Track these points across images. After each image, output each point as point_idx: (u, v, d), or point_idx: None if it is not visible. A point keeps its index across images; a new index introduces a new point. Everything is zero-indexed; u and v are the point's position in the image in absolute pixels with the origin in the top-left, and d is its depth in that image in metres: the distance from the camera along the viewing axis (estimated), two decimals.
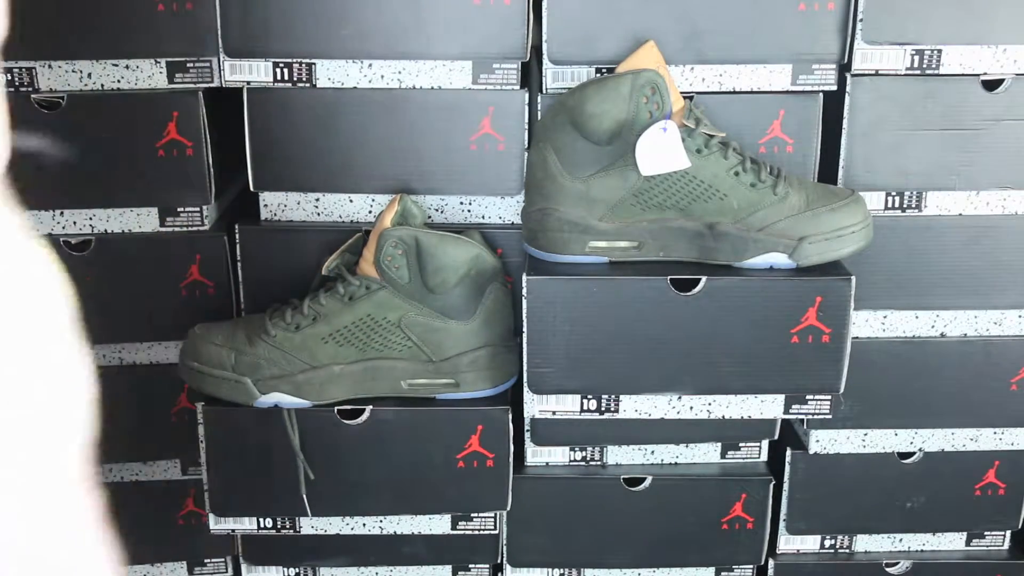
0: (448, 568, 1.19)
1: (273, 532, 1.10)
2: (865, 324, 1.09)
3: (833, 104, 1.03)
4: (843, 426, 1.12)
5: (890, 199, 1.06)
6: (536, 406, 1.03)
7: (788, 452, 1.14)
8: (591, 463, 1.16)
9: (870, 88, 1.02)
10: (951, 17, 1.00)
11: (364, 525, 1.11)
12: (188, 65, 1.03)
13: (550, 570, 1.18)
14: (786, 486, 1.15)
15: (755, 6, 1.00)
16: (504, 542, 1.16)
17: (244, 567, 1.18)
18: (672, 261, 1.00)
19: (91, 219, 1.08)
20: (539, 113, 1.04)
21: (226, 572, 1.24)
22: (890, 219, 1.06)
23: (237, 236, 1.07)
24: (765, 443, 1.16)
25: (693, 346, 0.99)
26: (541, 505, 1.14)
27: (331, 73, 1.03)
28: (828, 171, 1.05)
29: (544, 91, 1.03)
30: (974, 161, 1.04)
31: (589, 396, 1.02)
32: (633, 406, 1.04)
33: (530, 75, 1.07)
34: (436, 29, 1.01)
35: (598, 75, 1.02)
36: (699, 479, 1.14)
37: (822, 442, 1.14)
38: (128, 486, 1.18)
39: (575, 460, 1.15)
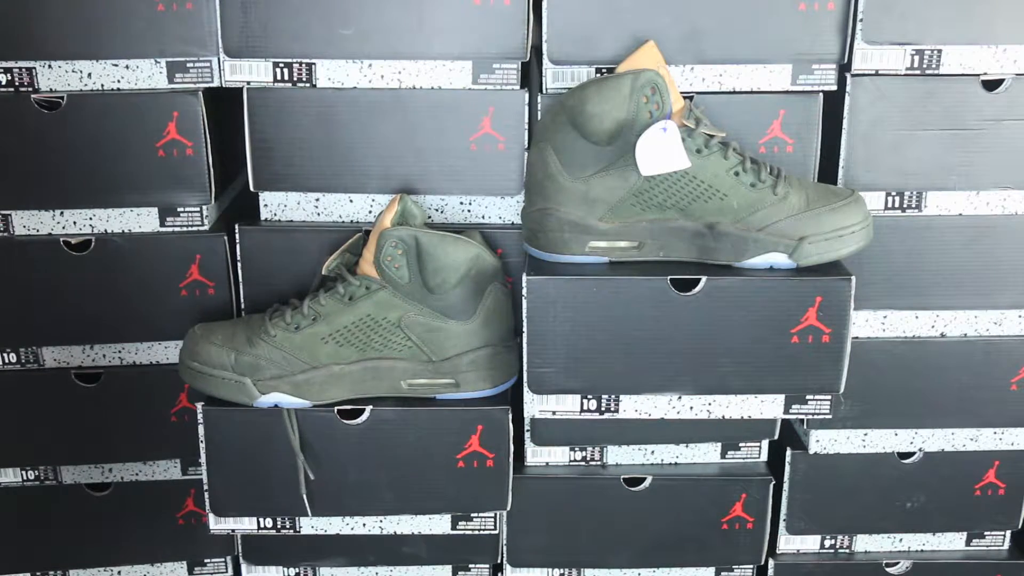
0: (448, 568, 1.19)
1: (273, 532, 1.10)
2: (865, 324, 1.09)
3: (833, 104, 1.03)
4: (843, 426, 1.12)
5: (890, 199, 1.06)
6: (536, 406, 1.03)
7: (788, 452, 1.14)
8: (591, 463, 1.16)
9: (870, 88, 1.02)
10: (951, 17, 1.00)
11: (364, 525, 1.11)
12: (188, 65, 1.03)
13: (550, 570, 1.18)
14: (786, 486, 1.15)
15: (755, 6, 1.00)
16: (504, 542, 1.16)
17: (244, 567, 1.18)
18: (672, 261, 1.00)
19: (91, 219, 1.08)
20: (539, 113, 1.04)
21: (226, 572, 1.24)
22: (890, 219, 1.06)
23: (237, 236, 1.07)
24: (765, 443, 1.16)
25: (693, 346, 0.99)
26: (541, 505, 1.14)
27: (331, 73, 1.03)
28: (828, 171, 1.06)
29: (544, 91, 1.03)
30: (974, 161, 1.04)
31: (589, 396, 1.02)
32: (633, 406, 1.04)
33: (530, 75, 1.08)
34: (436, 29, 1.01)
35: (598, 75, 1.02)
36: (699, 479, 1.14)
37: (822, 442, 1.14)
38: (128, 486, 1.18)
39: (575, 460, 1.15)
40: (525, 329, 0.99)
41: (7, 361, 1.12)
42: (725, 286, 0.97)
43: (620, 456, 1.16)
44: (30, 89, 1.03)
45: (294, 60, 1.03)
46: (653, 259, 1.00)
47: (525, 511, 1.13)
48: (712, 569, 1.19)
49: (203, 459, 1.05)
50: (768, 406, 1.03)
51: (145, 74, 1.03)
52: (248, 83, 1.03)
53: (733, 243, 0.98)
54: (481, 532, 1.12)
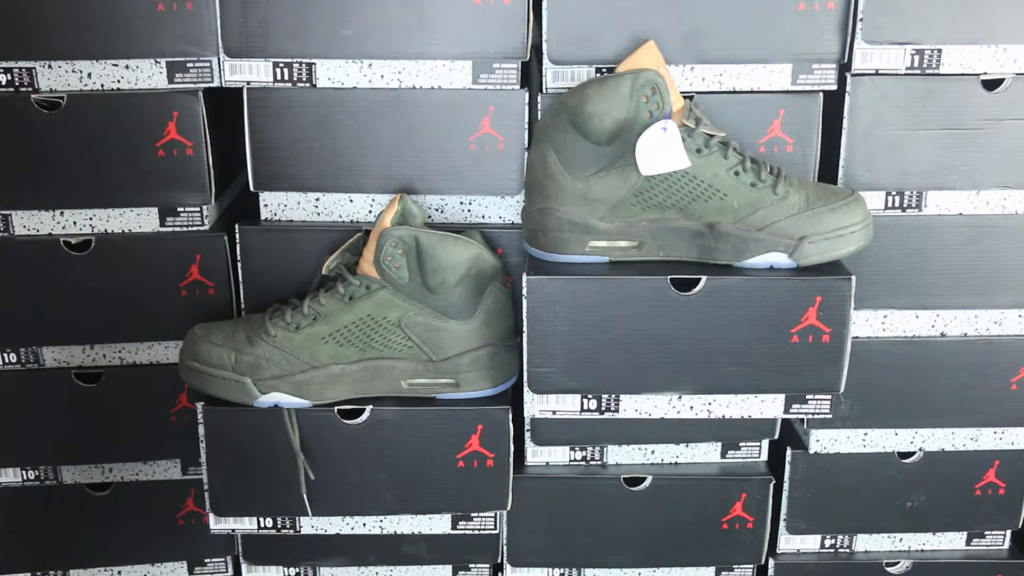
0: (448, 568, 1.19)
1: (273, 532, 1.10)
2: (865, 324, 1.09)
3: (833, 104, 1.03)
4: (843, 426, 1.12)
5: (890, 199, 1.06)
6: (536, 406, 1.03)
7: (788, 452, 1.14)
8: (591, 463, 1.16)
9: (870, 88, 1.02)
10: (951, 17, 1.00)
11: (364, 525, 1.11)
12: (188, 65, 1.03)
13: (550, 570, 1.18)
14: (786, 486, 1.15)
15: (755, 6, 1.00)
16: (504, 542, 1.16)
17: (244, 567, 1.18)
18: (672, 261, 1.00)
19: (91, 219, 1.08)
20: (539, 113, 1.04)
21: (226, 572, 1.24)
22: (890, 219, 1.06)
23: (237, 236, 1.07)
24: (765, 443, 1.16)
25: (693, 346, 0.99)
26: (541, 505, 1.14)
27: (331, 73, 1.03)
28: (828, 171, 1.06)
29: (544, 91, 1.03)
30: (974, 161, 1.04)
31: (589, 396, 1.02)
32: (633, 406, 1.04)
33: (530, 75, 1.08)
34: (436, 29, 1.01)
35: (598, 75, 1.02)
36: (699, 479, 1.14)
37: (822, 442, 1.14)
38: (128, 486, 1.18)
39: (575, 460, 1.15)
40: (525, 329, 0.99)
41: (7, 361, 1.12)
42: (725, 286, 0.97)
43: (620, 456, 1.16)
44: (30, 89, 1.03)
45: (294, 60, 1.03)
46: (653, 259, 1.00)
47: (525, 511, 1.13)
48: (712, 569, 1.19)
49: (203, 459, 1.05)
50: (768, 406, 1.03)
51: (145, 74, 1.03)
52: (248, 83, 1.03)
53: (733, 243, 0.98)
54: (481, 532, 1.12)
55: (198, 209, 1.08)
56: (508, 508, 1.08)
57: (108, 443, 1.15)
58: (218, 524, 1.09)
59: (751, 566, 1.19)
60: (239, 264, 1.08)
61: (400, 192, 1.06)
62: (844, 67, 1.02)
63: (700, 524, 1.15)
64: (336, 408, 1.04)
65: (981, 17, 1.00)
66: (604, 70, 1.02)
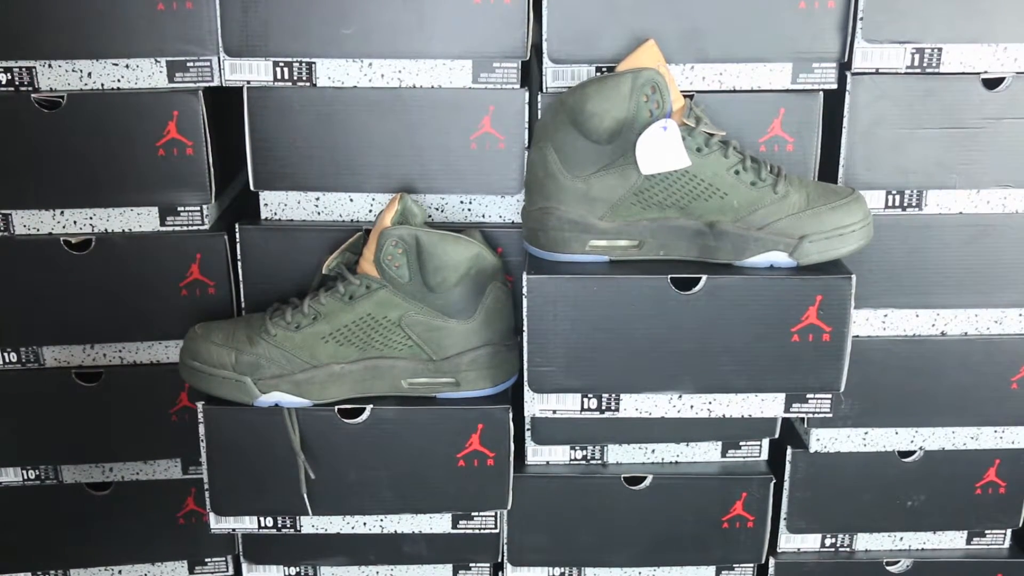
0: (449, 567, 1.19)
1: (274, 531, 1.10)
2: (865, 323, 1.09)
3: (833, 103, 1.03)
4: (844, 425, 1.12)
5: (890, 198, 1.06)
6: (536, 405, 1.03)
7: (789, 451, 1.14)
8: (592, 462, 1.16)
9: (870, 87, 1.02)
10: (951, 15, 1.00)
11: (365, 524, 1.11)
12: (188, 65, 1.03)
13: (550, 569, 1.18)
14: (787, 485, 1.15)
15: (755, 4, 1.00)
16: (504, 541, 1.16)
17: (245, 566, 1.18)
18: (672, 260, 1.00)
19: (91, 219, 1.08)
20: (539, 112, 1.04)
21: (227, 571, 1.24)
22: (890, 218, 1.06)
23: (237, 236, 1.07)
24: (766, 442, 1.16)
25: (693, 345, 0.99)
26: (541, 504, 1.14)
27: (331, 73, 1.03)
28: (828, 170, 1.06)
29: (544, 90, 1.03)
30: (974, 159, 1.04)
31: (590, 395, 1.02)
32: (634, 405, 1.04)
33: (530, 74, 1.08)
34: (436, 28, 1.01)
35: (598, 74, 1.02)
36: (700, 478, 1.14)
37: (823, 441, 1.14)
38: (128, 486, 1.18)
39: (576, 459, 1.15)
40: (525, 328, 0.99)
41: (7, 361, 1.12)
42: (725, 285, 0.97)
43: (621, 455, 1.16)
44: (30, 89, 1.03)
45: (294, 59, 1.03)
46: (653, 258, 1.00)
47: (526, 510, 1.13)
48: (712, 568, 1.19)
49: (204, 458, 1.05)
50: (769, 405, 1.03)
51: (145, 73, 1.03)
52: (248, 82, 1.03)
53: (733, 242, 0.98)
54: (482, 531, 1.12)
55: (198, 208, 1.08)
56: (508, 507, 1.08)
57: (108, 443, 1.15)
58: (218, 523, 1.09)
59: (751, 565, 1.19)
60: (239, 263, 1.08)
61: (400, 191, 1.06)
62: (844, 66, 1.02)
63: (700, 523, 1.15)
64: (336, 407, 1.04)
65: (981, 16, 1.00)
66: (604, 69, 1.02)
